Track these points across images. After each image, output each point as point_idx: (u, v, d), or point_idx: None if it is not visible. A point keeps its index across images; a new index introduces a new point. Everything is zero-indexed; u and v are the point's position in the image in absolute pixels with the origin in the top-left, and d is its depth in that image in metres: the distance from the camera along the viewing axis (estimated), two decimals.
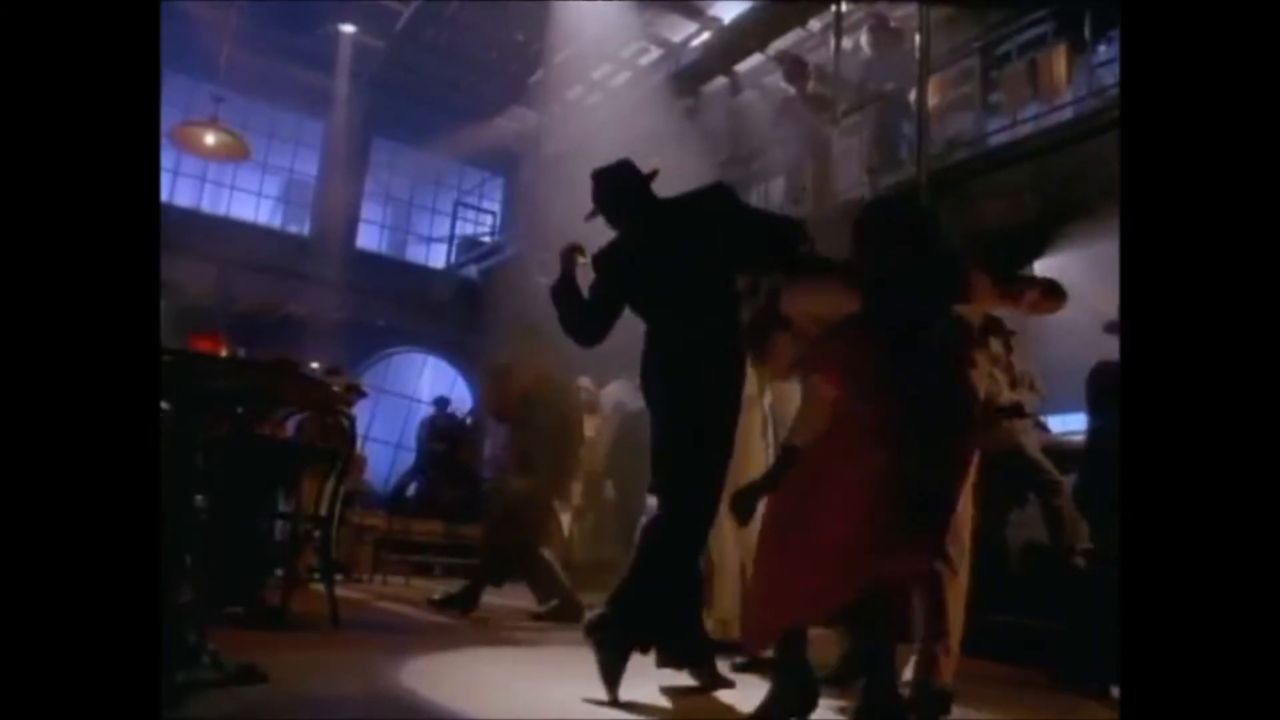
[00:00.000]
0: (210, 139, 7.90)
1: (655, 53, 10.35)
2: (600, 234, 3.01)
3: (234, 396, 3.06)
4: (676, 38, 10.17)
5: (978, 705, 2.84)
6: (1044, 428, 4.48)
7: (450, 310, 12.29)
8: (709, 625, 3.41)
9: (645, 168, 3.06)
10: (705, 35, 9.79)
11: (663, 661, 2.87)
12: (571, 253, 3.09)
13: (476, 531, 8.92)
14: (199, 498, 3.21)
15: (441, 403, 11.07)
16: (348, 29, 11.88)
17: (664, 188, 3.02)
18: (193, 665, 2.18)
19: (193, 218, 11.75)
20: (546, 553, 4.84)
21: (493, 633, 4.01)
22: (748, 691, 2.65)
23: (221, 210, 12.80)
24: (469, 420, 10.94)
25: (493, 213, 14.34)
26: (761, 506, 2.46)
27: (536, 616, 4.62)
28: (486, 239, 13.60)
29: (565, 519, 5.62)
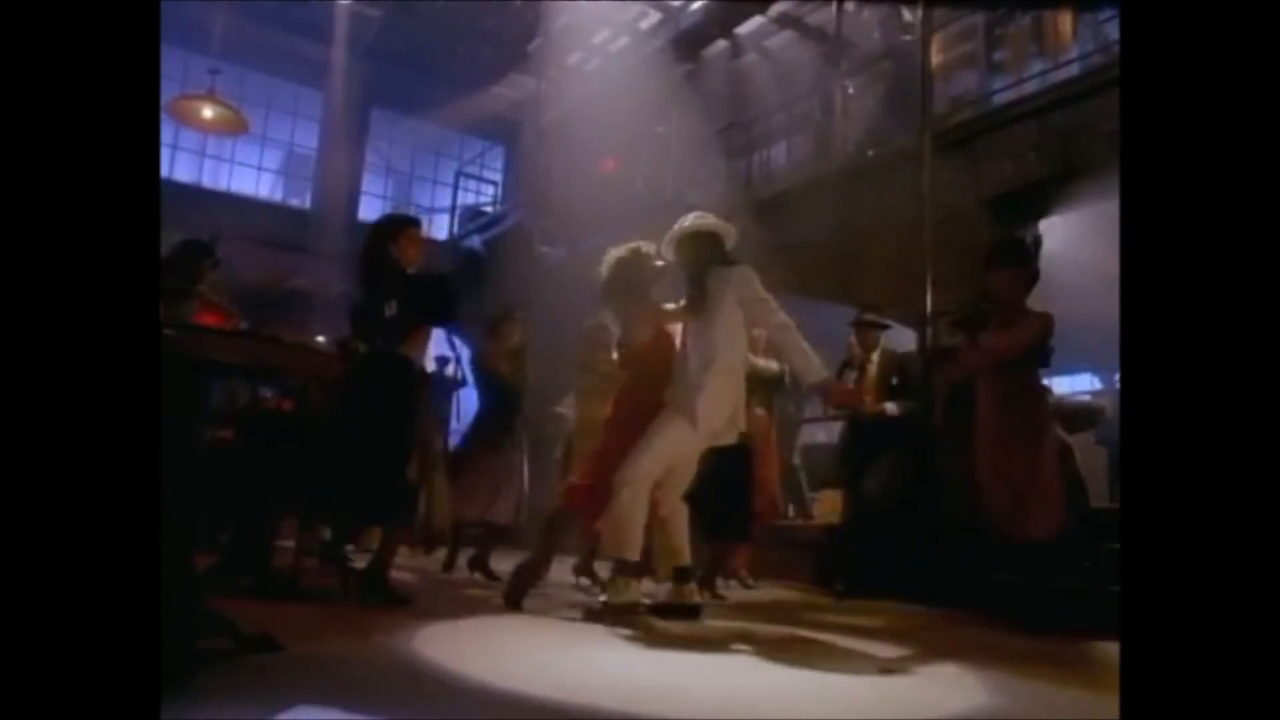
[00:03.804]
0: (208, 112, 7.85)
1: (655, 17, 10.19)
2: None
3: (242, 370, 3.08)
4: (676, 1, 10.02)
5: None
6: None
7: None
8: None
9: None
10: None
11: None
12: None
13: None
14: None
15: (442, 361, 11.01)
16: None
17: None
18: (209, 634, 2.20)
19: (193, 193, 11.72)
20: None
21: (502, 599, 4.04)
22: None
23: (222, 185, 12.77)
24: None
25: (494, 182, 14.29)
26: None
27: None
28: (489, 208, 13.55)
29: None
